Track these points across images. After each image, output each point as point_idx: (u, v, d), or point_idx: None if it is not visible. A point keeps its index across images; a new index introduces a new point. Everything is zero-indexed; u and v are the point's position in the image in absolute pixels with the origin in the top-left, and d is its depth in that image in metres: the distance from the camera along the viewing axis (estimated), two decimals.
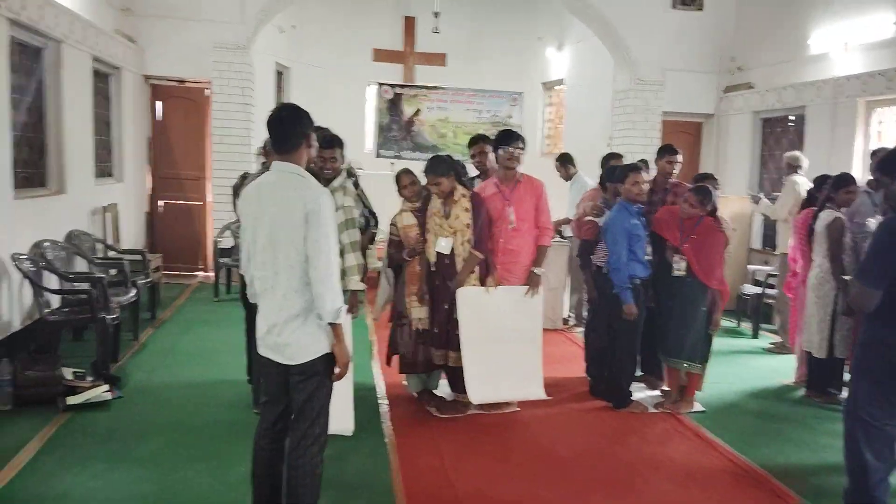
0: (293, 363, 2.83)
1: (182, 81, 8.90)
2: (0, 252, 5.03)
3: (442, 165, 4.47)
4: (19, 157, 5.61)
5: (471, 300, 4.49)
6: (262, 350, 2.93)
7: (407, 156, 11.35)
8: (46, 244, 5.55)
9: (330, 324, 2.79)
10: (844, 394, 5.02)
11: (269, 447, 2.96)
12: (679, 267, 4.71)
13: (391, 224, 4.72)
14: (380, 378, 5.30)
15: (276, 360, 2.87)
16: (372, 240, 5.16)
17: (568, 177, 7.33)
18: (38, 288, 5.07)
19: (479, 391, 4.50)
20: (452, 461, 3.94)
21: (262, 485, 2.97)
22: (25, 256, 5.14)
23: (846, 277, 4.77)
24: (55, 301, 5.39)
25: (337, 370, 2.90)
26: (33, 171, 6.01)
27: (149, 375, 5.18)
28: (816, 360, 5.18)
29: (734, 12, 9.68)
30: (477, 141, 5.37)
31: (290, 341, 2.81)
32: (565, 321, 7.29)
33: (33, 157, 6.00)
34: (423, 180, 4.61)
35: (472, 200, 4.52)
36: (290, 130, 2.83)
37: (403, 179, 4.65)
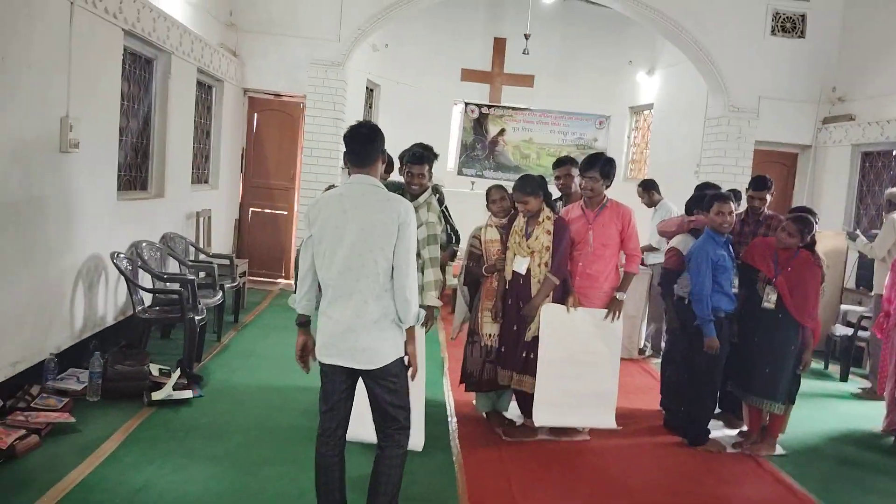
0: (372, 367, 2.92)
1: (278, 95, 9.22)
2: (100, 250, 5.30)
3: (532, 185, 4.44)
4: (124, 161, 5.93)
5: (554, 318, 4.41)
6: (327, 357, 2.96)
7: (489, 175, 11.40)
8: (144, 244, 5.82)
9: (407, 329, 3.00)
10: None
11: (333, 454, 3.03)
12: (769, 300, 4.50)
13: (473, 237, 4.73)
14: (450, 395, 5.29)
15: (348, 365, 2.93)
16: (452, 257, 5.20)
17: (651, 203, 7.15)
18: (133, 286, 5.31)
19: (544, 414, 4.40)
20: (520, 486, 3.88)
21: (330, 492, 3.03)
22: (123, 255, 5.40)
23: None
24: (147, 299, 5.64)
25: (411, 370, 3.06)
26: (136, 174, 6.33)
27: (229, 376, 5.34)
28: None
29: (837, 41, 9.28)
30: (563, 163, 5.36)
31: (368, 346, 2.90)
32: (641, 351, 7.10)
33: (137, 161, 6.32)
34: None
35: (556, 224, 4.46)
36: (370, 146, 2.98)
37: (494, 194, 4.66)
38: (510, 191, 4.59)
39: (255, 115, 9.26)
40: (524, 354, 4.44)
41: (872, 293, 6.85)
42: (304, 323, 3.10)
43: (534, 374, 4.39)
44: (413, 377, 3.09)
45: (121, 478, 3.57)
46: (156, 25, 6.04)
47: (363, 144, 2.98)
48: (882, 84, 8.43)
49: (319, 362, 3.02)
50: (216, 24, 8.30)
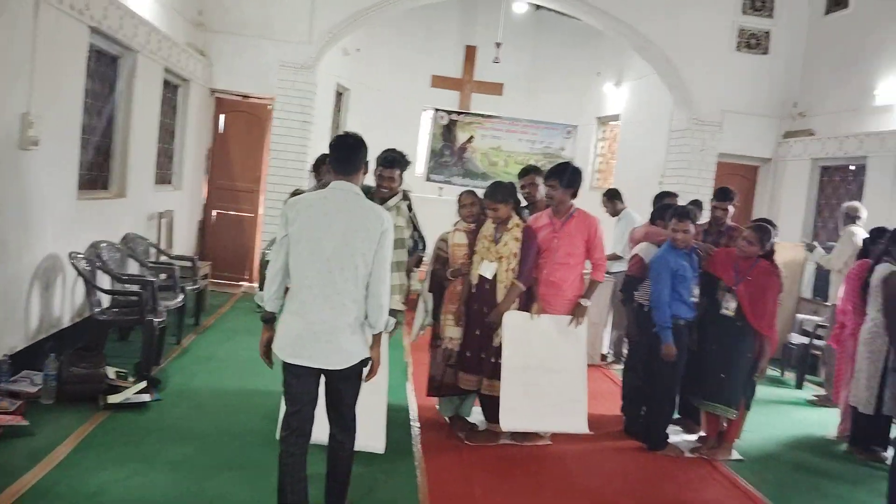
0: (341, 367, 3.02)
1: (246, 96, 9.14)
2: (58, 249, 5.19)
3: (503, 192, 4.48)
4: (85, 159, 5.82)
5: (516, 325, 4.45)
6: (296, 358, 2.99)
7: (457, 181, 11.44)
8: (103, 245, 5.72)
9: (373, 336, 3.11)
10: (890, 452, 4.82)
11: (300, 454, 3.08)
12: (728, 307, 4.59)
13: (440, 240, 4.74)
14: (413, 400, 5.29)
15: (319, 366, 3.01)
16: (418, 263, 5.20)
17: (615, 212, 7.26)
18: (91, 286, 5.21)
19: (511, 419, 4.43)
20: (483, 491, 3.89)
21: (296, 492, 3.07)
22: (82, 255, 5.30)
23: None
24: (106, 301, 5.54)
25: (367, 372, 3.16)
26: (98, 173, 6.22)
27: (189, 380, 5.26)
28: (862, 415, 4.99)
29: (800, 58, 9.51)
30: (528, 172, 5.42)
31: (344, 347, 3.01)
32: (604, 357, 7.18)
33: (99, 160, 6.22)
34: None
35: (524, 232, 4.50)
36: (355, 155, 3.10)
37: (464, 199, 4.68)
38: (481, 197, 4.63)
39: (222, 115, 9.17)
40: (494, 360, 4.46)
41: (828, 303, 7.02)
42: (271, 319, 3.13)
43: None
44: (368, 380, 3.18)
45: (75, 483, 3.49)
46: (122, 23, 5.95)
47: (350, 152, 3.09)
48: (841, 100, 8.66)
49: (287, 364, 3.03)
50: (184, 24, 8.21)
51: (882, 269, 4.88)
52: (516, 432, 4.64)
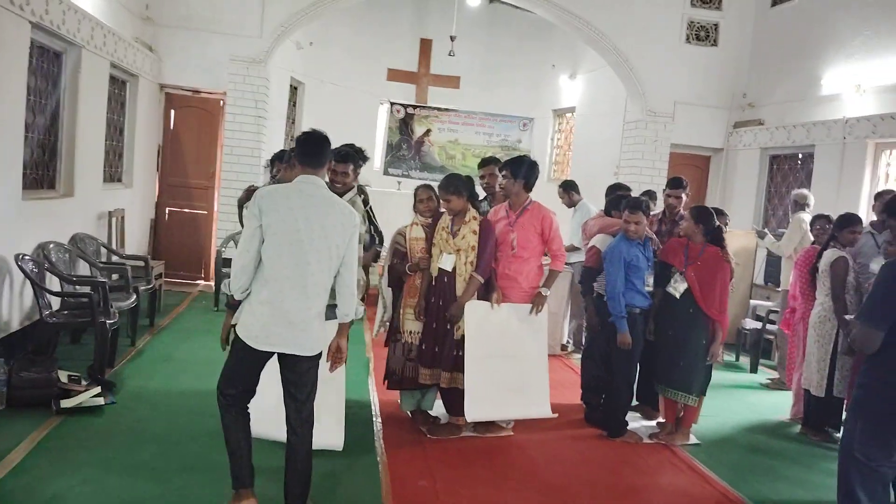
0: (309, 354, 3.20)
1: (197, 92, 8.98)
2: (4, 252, 5.05)
3: (455, 184, 4.50)
4: (30, 158, 5.66)
5: (478, 314, 4.47)
6: (264, 345, 3.12)
7: (415, 175, 11.43)
8: (51, 246, 5.58)
9: (340, 324, 3.32)
10: (841, 433, 4.97)
11: (245, 422, 3.28)
12: (676, 288, 4.70)
13: (398, 234, 4.74)
14: (375, 396, 5.28)
15: (290, 352, 3.15)
16: (376, 258, 5.19)
17: (571, 203, 7.34)
18: (40, 289, 5.08)
19: (476, 409, 4.45)
20: (444, 484, 3.91)
21: (245, 458, 3.26)
22: (29, 257, 5.16)
23: (848, 317, 4.75)
24: (55, 303, 5.41)
25: (332, 361, 3.35)
26: (43, 173, 6.06)
27: (145, 382, 5.17)
28: (814, 397, 5.15)
29: (748, 50, 9.74)
30: (488, 163, 5.53)
31: (315, 335, 3.19)
32: (564, 347, 7.27)
33: (44, 159, 6.05)
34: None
35: (482, 225, 4.53)
36: (323, 150, 3.26)
37: (421, 194, 4.69)
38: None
39: (173, 111, 8.99)
40: (455, 353, 4.48)
41: (780, 289, 7.22)
42: (237, 305, 3.20)
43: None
44: (334, 369, 3.38)
45: (28, 490, 3.41)
46: (65, 18, 5.79)
47: (318, 147, 3.24)
48: (789, 90, 8.89)
49: (247, 348, 3.12)
50: (131, 18, 8.02)
51: (829, 255, 5.04)
52: (478, 424, 4.67)
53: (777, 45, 9.26)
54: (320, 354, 3.28)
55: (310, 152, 3.23)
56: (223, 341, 3.30)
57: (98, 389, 4.63)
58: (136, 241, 8.38)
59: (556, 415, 4.70)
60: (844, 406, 5.04)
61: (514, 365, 4.56)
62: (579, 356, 6.43)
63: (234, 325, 3.22)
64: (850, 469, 3.09)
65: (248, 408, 3.29)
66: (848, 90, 7.79)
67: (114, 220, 7.40)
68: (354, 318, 3.36)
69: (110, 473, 3.67)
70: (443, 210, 4.63)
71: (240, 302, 3.19)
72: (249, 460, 3.28)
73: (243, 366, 3.21)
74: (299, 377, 3.23)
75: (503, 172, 4.81)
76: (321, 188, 3.21)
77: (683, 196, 5.58)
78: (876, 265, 4.72)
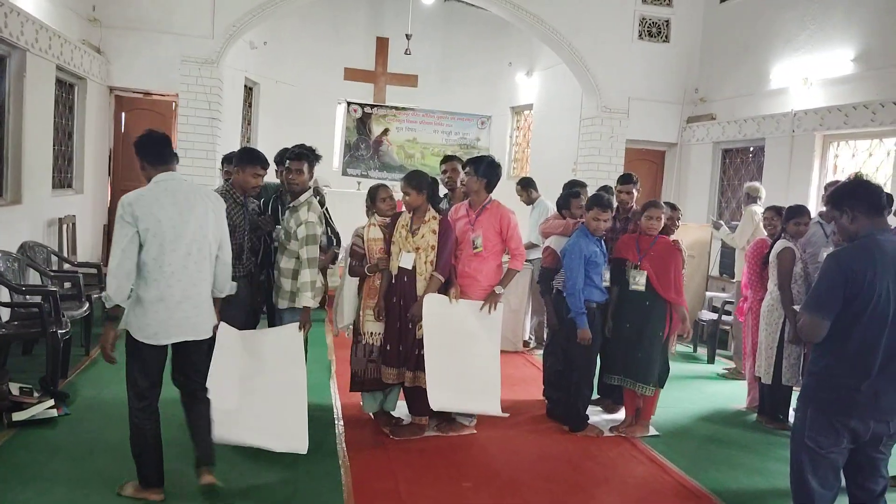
0: (206, 336, 3.54)
1: (148, 94, 8.82)
2: None
3: (416, 179, 4.51)
4: None
5: (436, 307, 4.47)
6: (166, 338, 3.37)
7: (374, 175, 11.37)
8: None
9: (215, 299, 3.62)
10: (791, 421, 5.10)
11: (157, 423, 3.49)
12: (637, 282, 4.78)
13: (355, 235, 4.71)
14: (337, 399, 5.25)
15: (191, 338, 3.45)
16: (334, 259, 5.16)
17: (529, 201, 7.37)
18: None
19: (439, 398, 4.38)
20: (407, 485, 3.91)
21: (158, 459, 3.51)
22: None
23: (796, 307, 4.87)
24: (5, 314, 5.26)
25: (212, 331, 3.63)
26: None
27: (99, 392, 5.05)
28: (767, 385, 5.27)
29: (699, 46, 9.93)
30: (450, 159, 5.69)
31: (206, 319, 3.52)
32: (526, 343, 7.31)
33: None
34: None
35: (441, 225, 4.53)
36: (167, 146, 3.48)
37: (381, 193, 4.67)
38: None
39: (123, 114, 8.82)
40: (417, 352, 4.47)
41: (734, 280, 7.37)
42: (119, 315, 3.33)
43: None
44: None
45: None
46: (7, 21, 5.63)
47: (164, 145, 3.46)
48: (739, 85, 9.08)
49: (148, 347, 3.34)
50: (77, 20, 7.83)
51: (778, 245, 5.17)
52: (441, 422, 4.68)
53: (726, 41, 9.45)
54: (214, 336, 3.62)
55: (156, 152, 3.42)
56: (110, 356, 3.39)
57: (51, 401, 4.52)
58: (89, 248, 8.19)
59: (506, 414, 4.64)
60: (794, 393, 5.18)
61: (469, 359, 4.54)
62: (541, 352, 6.47)
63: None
64: (801, 456, 3.15)
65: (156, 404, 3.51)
66: (795, 83, 7.99)
67: (65, 226, 7.22)
68: (231, 293, 3.72)
69: (62, 486, 3.59)
70: (401, 210, 4.62)
71: (122, 310, 3.30)
72: (162, 458, 3.52)
73: (148, 367, 3.40)
74: (198, 359, 3.55)
75: (467, 170, 4.83)
76: (182, 181, 3.45)
77: (634, 191, 5.65)
78: (824, 255, 4.84)
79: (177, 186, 3.41)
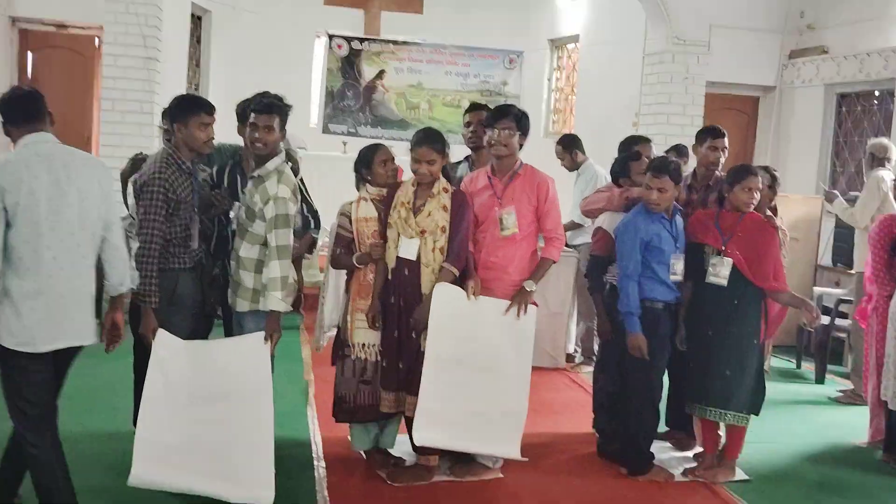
0: (91, 342, 3.59)
1: (63, 26, 8.91)
2: None
3: (442, 139, 4.48)
4: None
5: (448, 302, 4.39)
6: (50, 343, 3.40)
7: (365, 133, 11.35)
8: None
9: (114, 297, 3.69)
10: None
11: (57, 449, 3.57)
12: (718, 273, 4.71)
13: (341, 215, 4.68)
14: (316, 432, 5.29)
15: (75, 344, 3.53)
16: (311, 247, 5.15)
17: (574, 166, 7.34)
18: None
19: (426, 431, 4.35)
20: None
21: (59, 491, 3.53)
22: None
23: None
24: None
25: (101, 339, 3.69)
26: None
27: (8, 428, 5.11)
28: (895, 413, 5.24)
29: None
30: (477, 108, 5.62)
31: (89, 319, 3.56)
32: (570, 358, 7.32)
33: None
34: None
35: (454, 198, 4.50)
36: (40, 101, 3.57)
37: (380, 154, 4.64)
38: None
39: (30, 54, 8.96)
40: (421, 371, 4.45)
41: (853, 271, 7.31)
42: None
43: None
44: (111, 350, 3.73)
45: None
46: None
47: (33, 100, 3.57)
48: (861, 8, 8.97)
49: (25, 358, 3.37)
50: None
51: None
52: (455, 464, 4.69)
53: None
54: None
55: (29, 109, 3.52)
56: None
57: None
58: None
59: (525, 458, 4.61)
60: None
61: (485, 379, 4.49)
62: (590, 370, 6.49)
63: None
64: None
65: (60, 445, 3.57)
66: None
67: None
68: (133, 288, 3.78)
69: None
70: (398, 182, 4.59)
71: None
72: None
73: (31, 381, 3.45)
74: (66, 367, 3.67)
75: (504, 124, 4.65)
76: (57, 143, 3.55)
77: (725, 151, 5.57)
78: None
79: (51, 150, 3.50)
